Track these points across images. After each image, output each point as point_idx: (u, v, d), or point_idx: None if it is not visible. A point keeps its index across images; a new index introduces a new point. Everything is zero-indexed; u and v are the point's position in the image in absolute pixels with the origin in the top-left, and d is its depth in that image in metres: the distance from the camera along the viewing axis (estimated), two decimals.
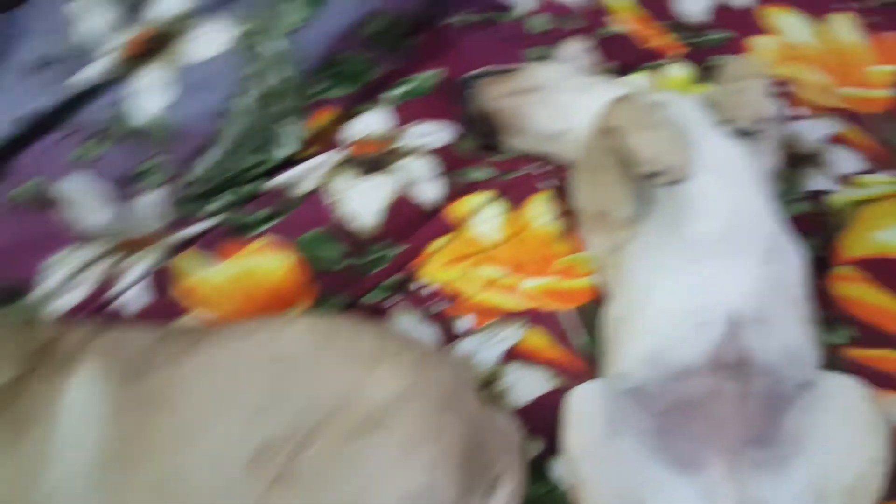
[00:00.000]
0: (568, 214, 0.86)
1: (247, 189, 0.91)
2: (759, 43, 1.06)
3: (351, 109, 0.96)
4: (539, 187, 0.90)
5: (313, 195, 0.88)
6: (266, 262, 0.82)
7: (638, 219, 0.70)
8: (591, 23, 1.09)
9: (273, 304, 0.82)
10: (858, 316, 0.74)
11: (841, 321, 0.74)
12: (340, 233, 0.84)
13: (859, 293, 0.75)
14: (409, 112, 0.95)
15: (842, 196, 0.85)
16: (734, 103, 0.73)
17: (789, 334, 0.65)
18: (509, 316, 0.82)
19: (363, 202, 0.86)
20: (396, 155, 0.90)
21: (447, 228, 0.88)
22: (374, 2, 0.89)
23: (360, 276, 0.85)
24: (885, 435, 0.61)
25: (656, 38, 1.09)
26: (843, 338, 0.73)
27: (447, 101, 0.96)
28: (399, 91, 0.97)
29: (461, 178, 0.91)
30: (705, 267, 0.67)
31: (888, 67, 1.00)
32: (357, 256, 0.85)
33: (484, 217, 0.88)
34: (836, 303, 0.74)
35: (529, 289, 0.84)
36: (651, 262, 0.70)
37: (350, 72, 0.93)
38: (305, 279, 0.82)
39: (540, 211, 0.88)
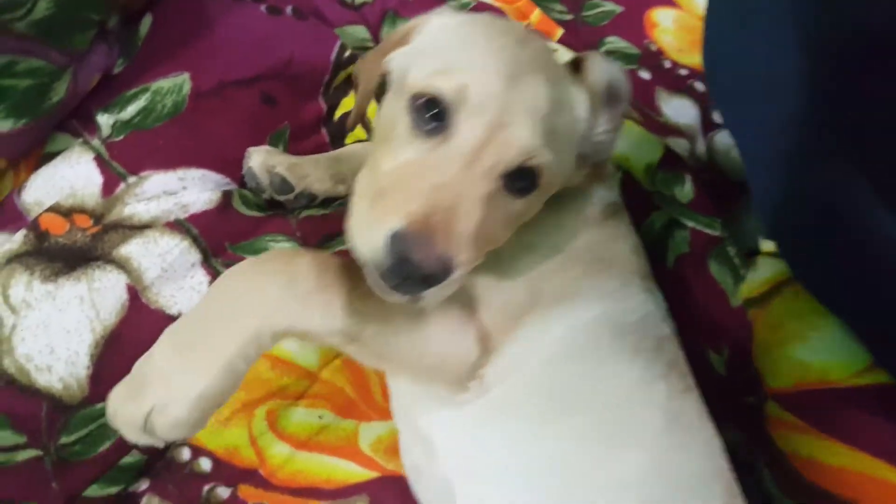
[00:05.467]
0: None
1: None
2: (659, 18, 0.79)
3: (27, 157, 0.55)
4: None
5: None
6: None
7: None
8: None
9: None
10: (818, 482, 0.46)
11: (801, 491, 0.47)
12: (14, 403, 0.46)
13: (807, 448, 0.48)
14: (137, 153, 0.56)
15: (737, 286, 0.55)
16: None
17: None
18: (340, 495, 0.50)
19: (59, 335, 0.48)
20: (119, 234, 0.52)
21: None
22: None
23: (69, 463, 0.48)
24: None
25: (531, 14, 0.79)
26: None
27: (202, 127, 0.58)
28: (116, 118, 0.57)
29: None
30: None
31: None
32: (52, 438, 0.47)
33: None
34: (787, 462, 0.48)
35: (372, 443, 0.52)
36: None
37: (5, 92, 0.51)
38: None
39: None
